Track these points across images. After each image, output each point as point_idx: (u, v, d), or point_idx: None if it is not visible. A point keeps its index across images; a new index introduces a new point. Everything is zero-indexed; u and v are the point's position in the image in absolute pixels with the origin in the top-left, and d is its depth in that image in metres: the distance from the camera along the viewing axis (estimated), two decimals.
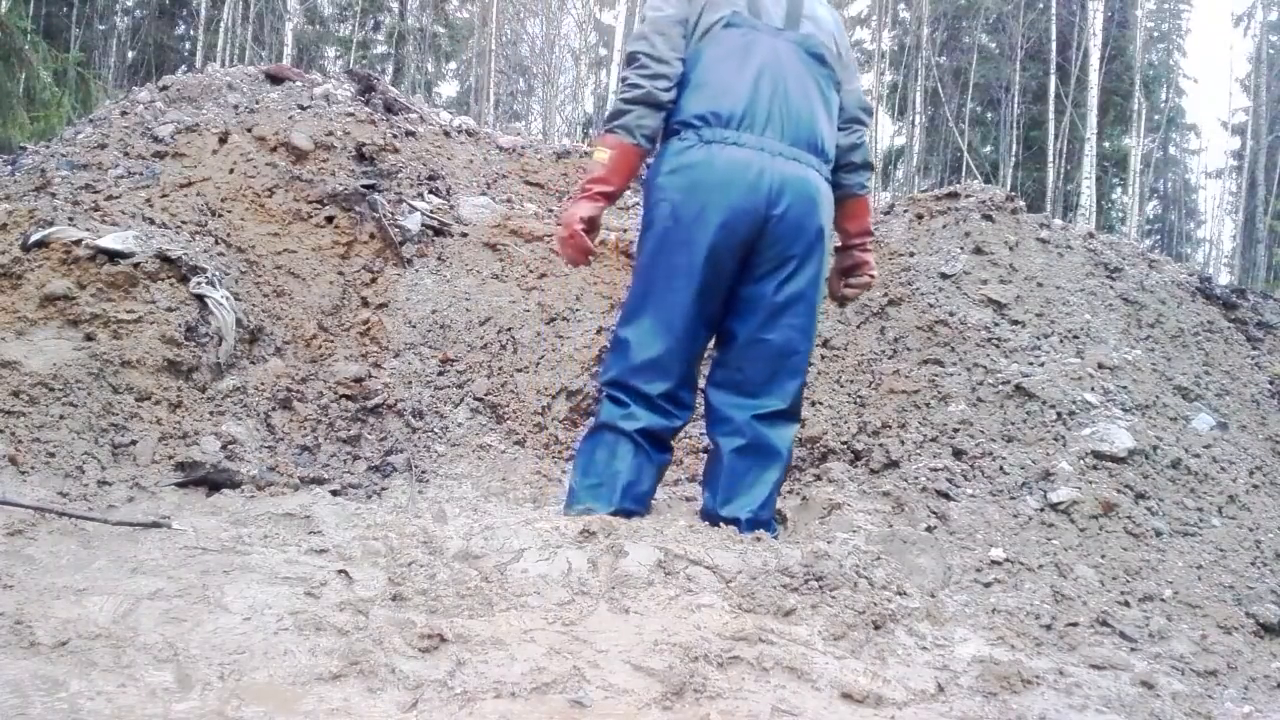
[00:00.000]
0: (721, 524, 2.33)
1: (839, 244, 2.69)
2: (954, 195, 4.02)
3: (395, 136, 4.57)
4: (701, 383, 2.62)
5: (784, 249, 2.38)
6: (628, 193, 4.01)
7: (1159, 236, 28.01)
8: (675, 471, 3.10)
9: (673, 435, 2.51)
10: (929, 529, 2.45)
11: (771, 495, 2.44)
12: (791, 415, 2.50)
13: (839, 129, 2.56)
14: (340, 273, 3.76)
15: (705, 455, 2.79)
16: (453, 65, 27.95)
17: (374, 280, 3.78)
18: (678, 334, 2.40)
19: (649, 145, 2.45)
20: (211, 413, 2.89)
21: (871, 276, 2.70)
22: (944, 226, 3.82)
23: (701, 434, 3.09)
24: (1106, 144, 22.37)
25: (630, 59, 2.45)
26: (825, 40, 2.50)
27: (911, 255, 3.72)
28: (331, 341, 3.48)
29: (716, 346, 2.57)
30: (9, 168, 4.36)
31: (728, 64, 2.39)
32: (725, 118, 2.36)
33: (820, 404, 3.18)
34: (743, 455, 2.43)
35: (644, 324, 2.43)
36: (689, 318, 2.40)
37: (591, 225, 2.46)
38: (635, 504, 2.40)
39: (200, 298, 3.11)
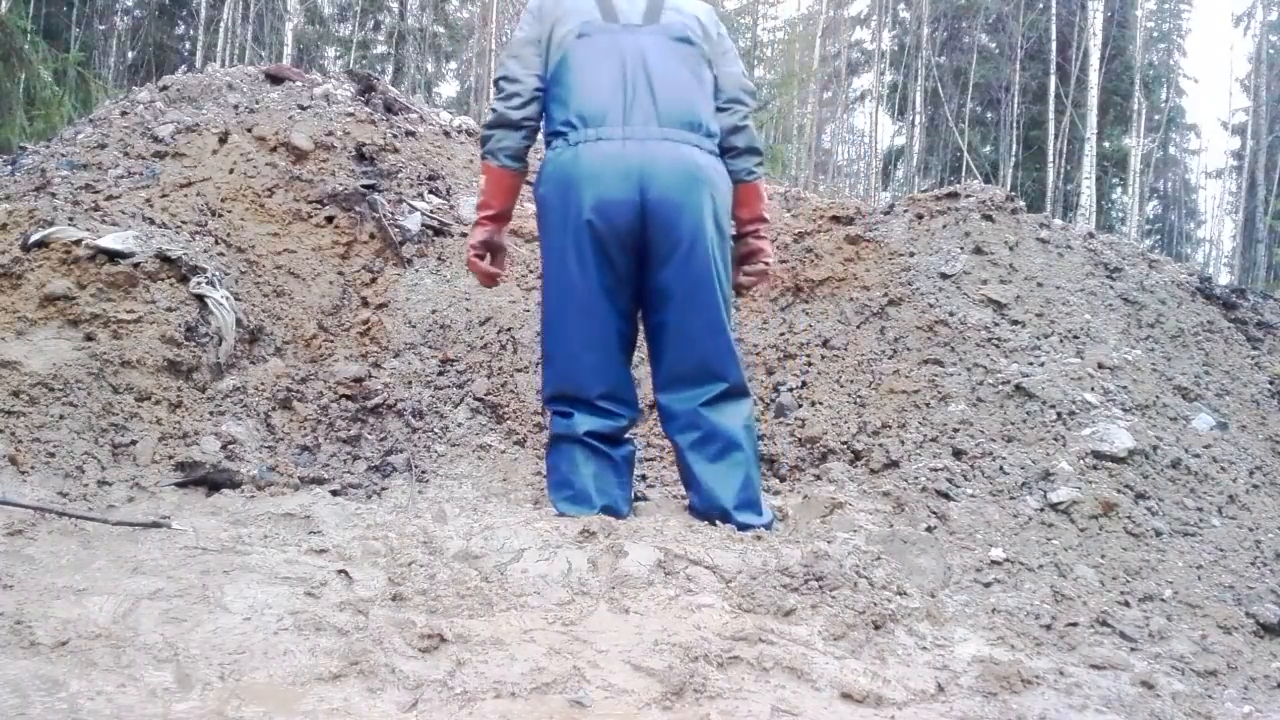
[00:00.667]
0: (715, 520, 2.34)
1: (732, 233, 2.66)
2: (954, 195, 4.02)
3: (395, 136, 4.57)
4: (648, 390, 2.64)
5: (670, 229, 2.37)
6: None
7: (1159, 236, 28.01)
8: (674, 471, 3.10)
9: (622, 432, 2.53)
10: (929, 529, 2.45)
11: (750, 477, 2.44)
12: (736, 392, 2.49)
13: (720, 110, 2.54)
14: (340, 273, 3.76)
15: None
16: (453, 65, 27.95)
17: (374, 280, 3.77)
18: (595, 336, 2.43)
19: (514, 164, 2.53)
20: (211, 413, 2.89)
21: (766, 264, 2.66)
22: (944, 226, 3.82)
23: None
24: (1106, 144, 22.37)
25: (494, 86, 2.55)
26: (689, 23, 2.52)
27: (911, 255, 3.72)
28: (331, 341, 3.48)
29: (647, 349, 2.59)
30: (9, 168, 4.36)
31: (586, 69, 2.43)
32: (589, 118, 2.39)
33: (820, 404, 3.18)
34: (702, 447, 2.44)
35: (561, 333, 2.47)
36: (599, 317, 2.42)
37: (488, 249, 2.59)
38: (610, 501, 2.41)
39: (200, 298, 3.11)
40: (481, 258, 2.58)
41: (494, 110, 2.51)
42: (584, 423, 2.45)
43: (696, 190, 2.39)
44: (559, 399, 2.51)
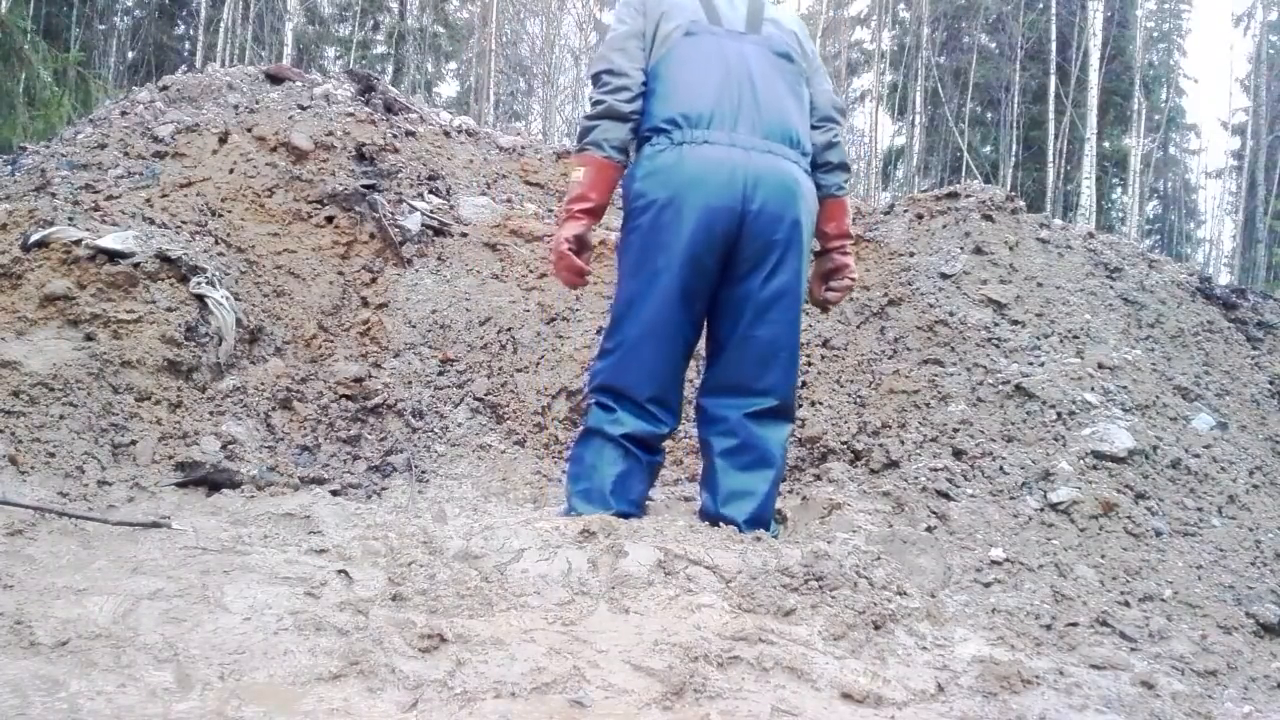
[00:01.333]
0: (721, 524, 2.33)
1: (817, 248, 2.67)
2: (954, 195, 4.02)
3: (395, 136, 4.57)
4: (691, 392, 2.61)
5: (764, 242, 2.36)
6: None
7: (1159, 236, 28.00)
8: (675, 471, 3.10)
9: (660, 440, 2.51)
10: (929, 529, 2.45)
11: (769, 496, 2.43)
12: (783, 413, 2.49)
13: (814, 128, 2.55)
14: (340, 273, 3.76)
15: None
16: (453, 65, 27.95)
17: (374, 280, 3.78)
18: (662, 338, 2.41)
19: (620, 157, 2.46)
20: (211, 413, 2.89)
21: (852, 280, 2.66)
22: (944, 226, 3.82)
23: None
24: (1106, 144, 22.37)
25: (594, 79, 2.49)
26: (789, 40, 2.52)
27: (911, 255, 3.72)
28: (331, 341, 3.48)
29: (707, 354, 2.57)
30: (9, 168, 4.36)
31: (691, 68, 2.41)
32: (694, 119, 2.36)
33: (820, 404, 3.18)
34: (735, 455, 2.42)
35: (629, 329, 2.43)
36: (673, 321, 2.40)
37: (580, 244, 2.49)
38: (628, 506, 2.39)
39: (200, 298, 3.11)
40: (574, 253, 2.46)
41: (600, 101, 2.43)
42: (626, 423, 2.42)
43: (794, 205, 2.39)
44: (607, 391, 2.46)
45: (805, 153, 2.48)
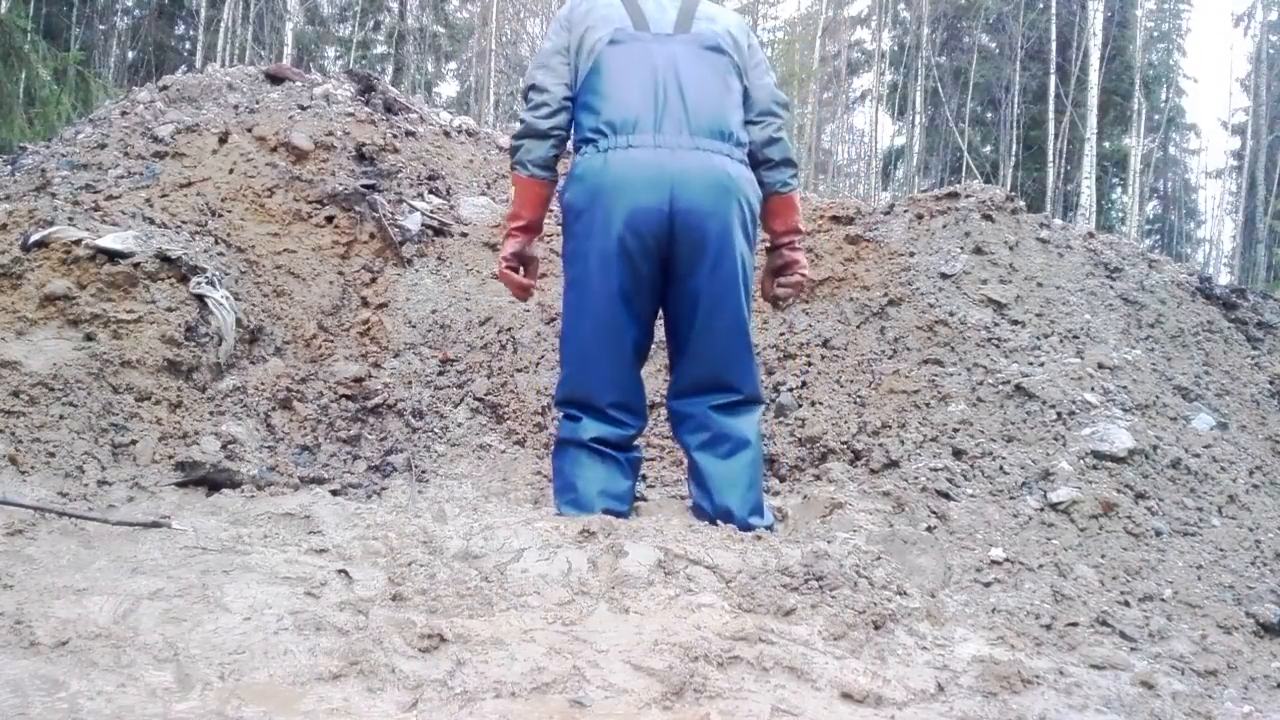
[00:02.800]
0: (718, 520, 2.34)
1: (768, 244, 2.68)
2: (954, 195, 4.02)
3: (395, 136, 4.57)
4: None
5: (699, 238, 2.37)
6: None
7: (1159, 236, 28.00)
8: (675, 472, 3.10)
9: (630, 440, 2.54)
10: (929, 529, 2.45)
11: (754, 479, 2.45)
12: (750, 401, 2.51)
13: (753, 123, 2.53)
14: (340, 273, 3.76)
15: None
16: (453, 65, 27.94)
17: (374, 280, 3.77)
18: (610, 343, 2.44)
19: (543, 174, 2.51)
20: (211, 413, 2.89)
21: (803, 275, 2.65)
22: (944, 226, 3.82)
23: None
24: (1106, 144, 22.36)
25: (522, 97, 2.55)
26: (720, 33, 2.51)
27: (911, 255, 3.72)
28: (331, 341, 3.48)
29: (669, 357, 2.60)
30: (9, 168, 4.36)
31: (616, 76, 2.42)
32: (620, 125, 2.39)
33: (820, 404, 3.18)
34: (712, 447, 2.45)
35: (579, 338, 2.47)
36: (616, 324, 2.42)
37: (520, 260, 2.56)
38: (616, 504, 2.42)
39: (200, 298, 3.11)
40: (515, 269, 2.55)
41: (522, 120, 2.50)
42: (591, 429, 2.46)
43: (726, 200, 2.39)
44: (570, 403, 2.51)
45: (740, 144, 2.47)
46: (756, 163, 2.53)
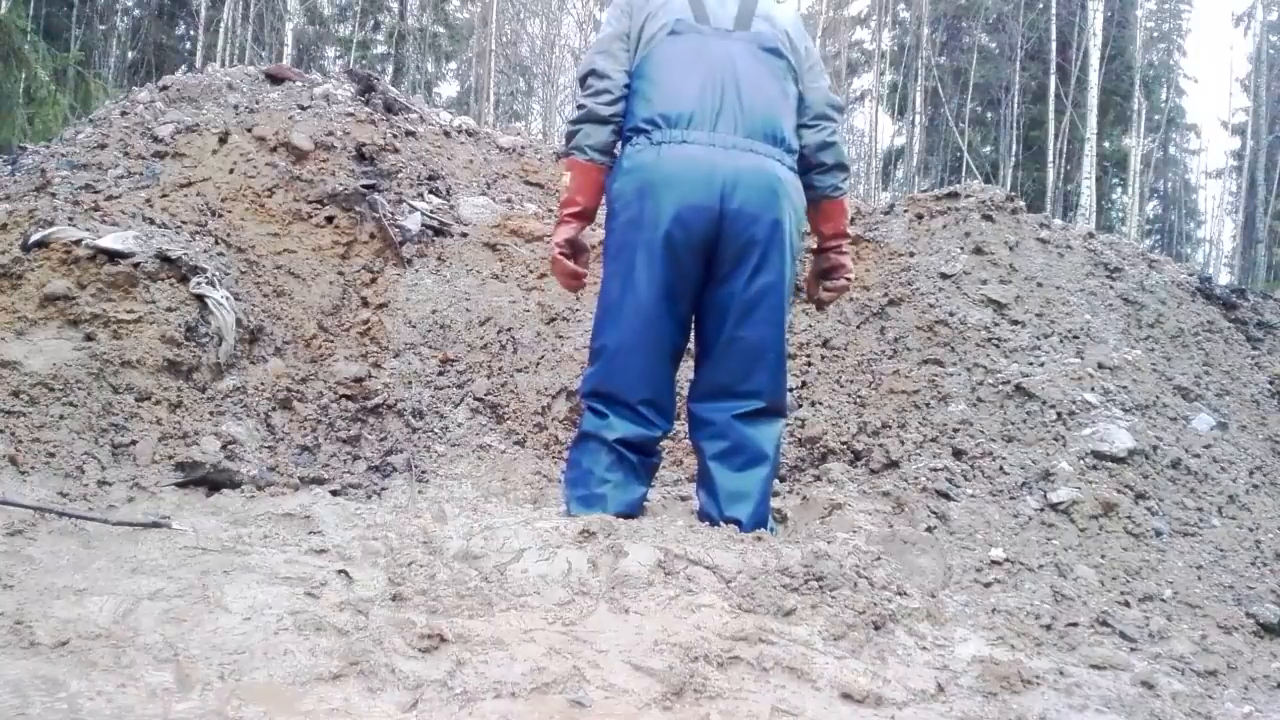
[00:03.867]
0: (721, 524, 2.34)
1: (815, 247, 2.67)
2: (954, 195, 4.02)
3: (395, 136, 4.57)
4: (682, 401, 2.62)
5: (745, 241, 2.35)
6: None
7: (1159, 236, 28.00)
8: (675, 472, 3.10)
9: (654, 443, 2.51)
10: (929, 529, 2.45)
11: (765, 494, 2.43)
12: (773, 412, 2.48)
13: (807, 126, 2.52)
14: (340, 273, 3.76)
15: None
16: (453, 65, 27.94)
17: (374, 280, 3.77)
18: (649, 340, 2.41)
19: (603, 159, 2.47)
20: (211, 413, 2.89)
21: (848, 279, 2.65)
22: (944, 226, 3.82)
23: None
24: (1106, 144, 22.36)
25: (580, 82, 2.51)
26: (779, 36, 2.49)
27: (911, 255, 3.72)
28: (331, 341, 3.48)
29: (695, 358, 2.57)
30: (9, 168, 4.36)
31: (674, 68, 2.40)
32: (674, 119, 2.36)
33: (820, 404, 3.18)
34: (728, 458, 2.42)
35: (615, 332, 2.43)
36: (659, 321, 2.40)
37: (573, 247, 2.50)
38: (626, 509, 2.39)
39: (200, 298, 3.10)
40: (568, 256, 2.49)
41: (582, 106, 2.46)
42: (619, 427, 2.42)
43: (775, 204, 2.36)
44: (598, 397, 2.46)
45: (791, 150, 2.45)
46: (809, 166, 2.51)
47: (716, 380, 2.46)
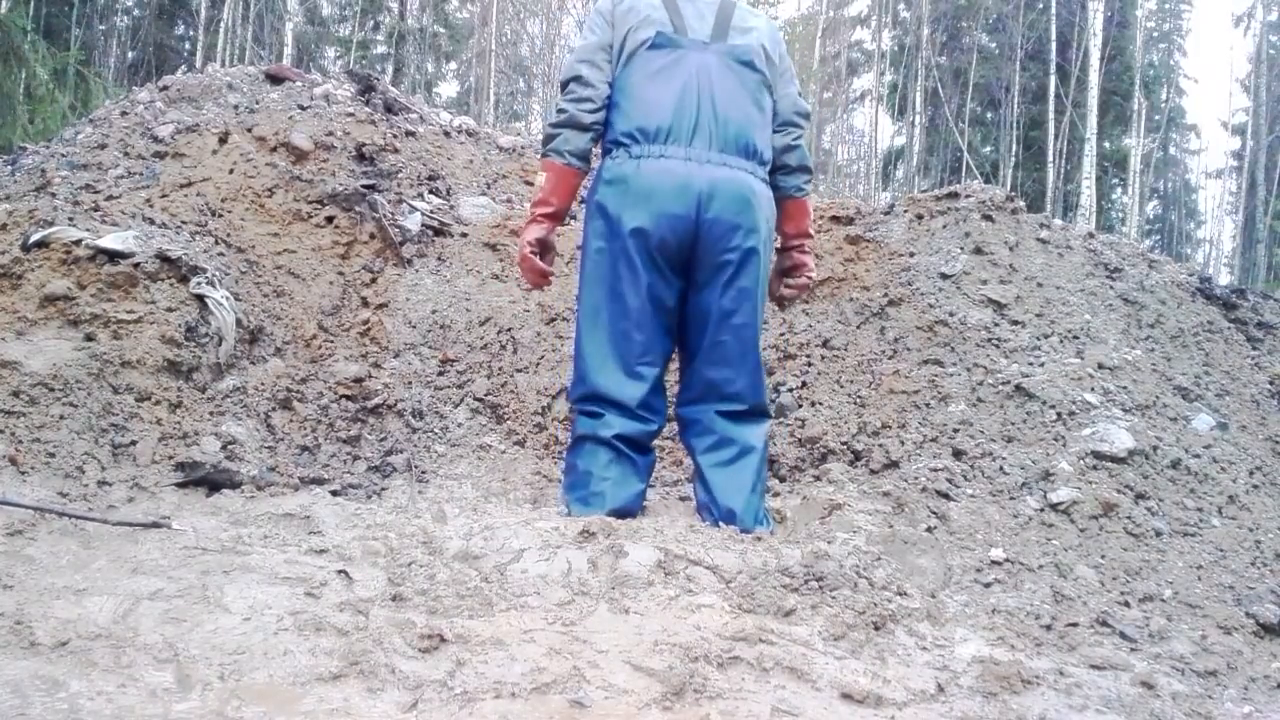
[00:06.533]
0: (720, 523, 2.36)
1: (778, 246, 2.74)
2: (954, 195, 4.02)
3: (395, 136, 4.57)
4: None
5: (721, 250, 2.44)
6: None
7: (1159, 236, 27.99)
8: (675, 472, 3.10)
9: (650, 438, 2.57)
10: (929, 529, 2.45)
11: (757, 483, 2.49)
12: (756, 413, 2.56)
13: (775, 131, 2.61)
14: (340, 273, 3.76)
15: None
16: (453, 65, 27.93)
17: (374, 280, 3.77)
18: (638, 342, 2.48)
19: (580, 164, 2.55)
20: (211, 413, 2.89)
21: (809, 278, 2.75)
22: (944, 226, 3.82)
23: None
24: (1106, 144, 22.35)
25: (562, 87, 2.58)
26: (754, 47, 2.55)
27: (911, 255, 3.72)
28: (331, 341, 3.48)
29: (679, 365, 2.65)
30: (9, 168, 4.36)
31: (653, 82, 2.47)
32: (652, 133, 2.44)
33: (820, 404, 3.18)
34: (716, 452, 2.50)
35: (601, 338, 2.50)
36: (646, 323, 2.48)
37: (542, 247, 2.58)
38: (626, 503, 2.44)
39: (200, 298, 3.11)
40: (536, 254, 2.57)
41: (563, 111, 2.53)
42: (616, 424, 2.48)
43: (749, 215, 2.46)
44: (591, 400, 2.52)
45: (764, 162, 2.55)
46: (774, 168, 2.60)
47: (700, 383, 2.55)
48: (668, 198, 2.40)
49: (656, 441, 3.12)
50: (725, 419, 2.52)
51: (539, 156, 2.63)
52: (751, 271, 2.48)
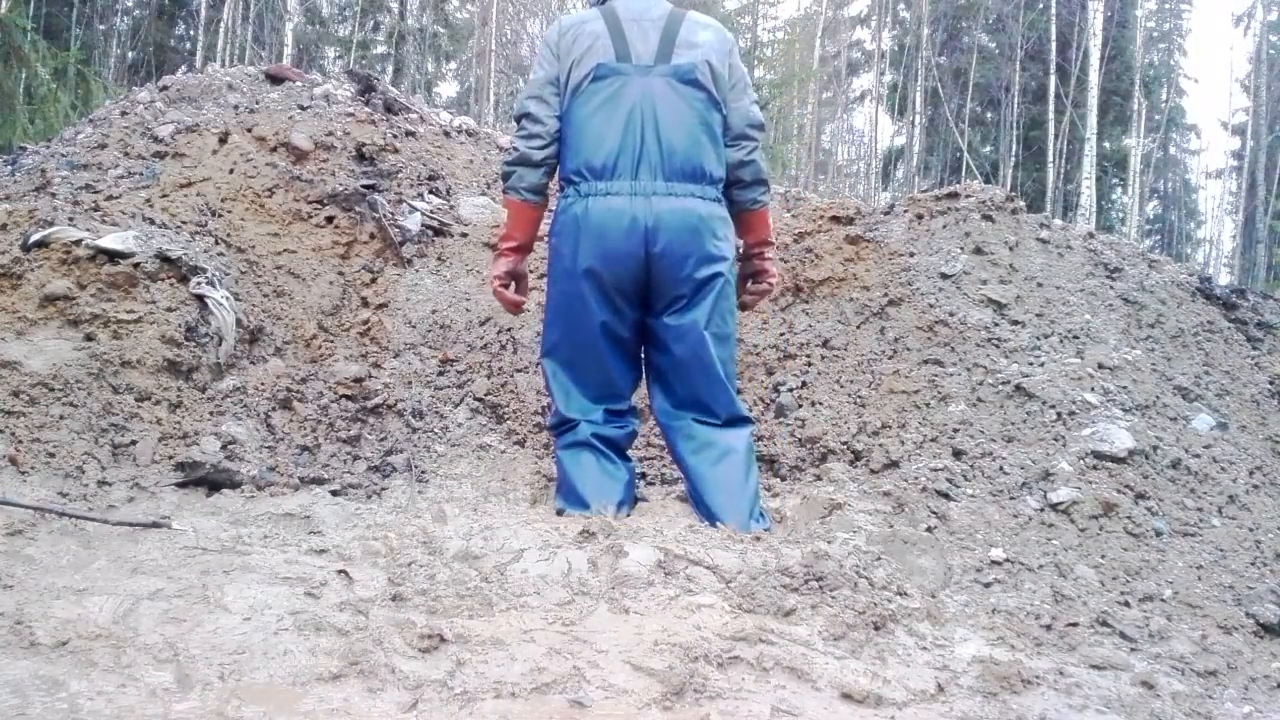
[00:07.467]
0: (717, 522, 2.37)
1: (741, 254, 2.79)
2: (954, 195, 4.02)
3: (395, 136, 4.57)
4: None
5: (674, 280, 2.50)
6: None
7: (1159, 236, 27.99)
8: (675, 471, 3.10)
9: (629, 442, 2.68)
10: (929, 529, 2.45)
11: (746, 476, 2.52)
12: (733, 422, 2.60)
13: (729, 146, 2.62)
14: (340, 273, 3.76)
15: None
16: (453, 65, 27.93)
17: (374, 280, 3.77)
18: (599, 378, 2.59)
19: (535, 198, 2.64)
20: (211, 413, 2.89)
21: (770, 284, 2.80)
22: (944, 226, 3.82)
23: None
24: (1106, 144, 22.35)
25: (516, 121, 2.65)
26: (699, 64, 2.55)
27: (911, 255, 3.72)
28: (331, 341, 3.48)
29: (648, 382, 2.72)
30: (9, 168, 4.36)
31: (597, 117, 2.51)
32: (598, 169, 2.49)
33: (820, 404, 3.18)
34: (702, 453, 2.55)
35: (567, 375, 2.61)
36: (605, 359, 2.58)
37: (513, 278, 2.71)
38: (621, 494, 2.51)
39: (200, 298, 3.11)
40: (506, 286, 2.69)
41: (515, 149, 2.60)
42: (592, 427, 2.57)
43: (698, 241, 2.50)
44: (564, 424, 2.62)
45: (714, 180, 2.57)
46: (730, 182, 2.63)
47: (674, 399, 2.62)
48: (617, 237, 2.46)
49: (658, 440, 3.14)
50: (704, 426, 2.57)
51: (503, 193, 2.74)
52: (708, 296, 2.52)
